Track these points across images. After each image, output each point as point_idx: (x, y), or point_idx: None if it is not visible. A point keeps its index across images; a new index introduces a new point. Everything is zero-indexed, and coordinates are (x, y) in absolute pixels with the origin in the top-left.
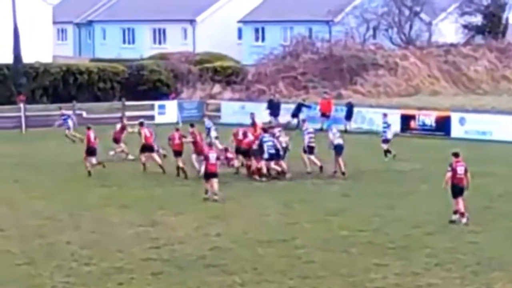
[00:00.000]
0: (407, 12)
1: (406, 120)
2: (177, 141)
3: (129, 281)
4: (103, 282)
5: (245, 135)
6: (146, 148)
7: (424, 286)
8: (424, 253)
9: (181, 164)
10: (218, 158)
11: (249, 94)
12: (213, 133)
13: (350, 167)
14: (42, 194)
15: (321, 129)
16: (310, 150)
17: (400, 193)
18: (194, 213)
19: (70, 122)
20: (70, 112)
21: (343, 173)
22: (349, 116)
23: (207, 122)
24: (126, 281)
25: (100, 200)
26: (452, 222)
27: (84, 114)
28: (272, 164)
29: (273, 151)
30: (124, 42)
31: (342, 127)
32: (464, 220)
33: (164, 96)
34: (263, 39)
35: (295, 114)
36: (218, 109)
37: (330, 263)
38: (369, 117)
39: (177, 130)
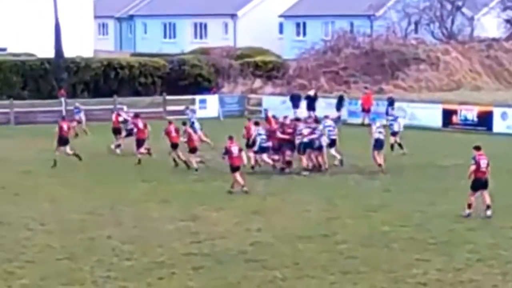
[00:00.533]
0: (449, 6)
1: (447, 115)
2: (173, 134)
3: (170, 276)
4: (143, 277)
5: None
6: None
7: (466, 282)
8: (466, 249)
9: (176, 156)
10: (241, 150)
11: (290, 89)
12: (197, 125)
13: (391, 162)
14: (83, 189)
15: (362, 124)
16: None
17: (441, 189)
18: (234, 208)
19: (82, 116)
20: (82, 106)
21: (379, 165)
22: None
23: (190, 114)
24: (167, 276)
25: (141, 195)
26: (467, 216)
27: (125, 108)
28: (264, 157)
29: (265, 144)
30: (165, 36)
31: (383, 122)
32: (489, 212)
33: (205, 90)
34: (304, 34)
35: (338, 108)
36: (259, 104)
37: (371, 258)
38: (411, 111)
39: (170, 123)
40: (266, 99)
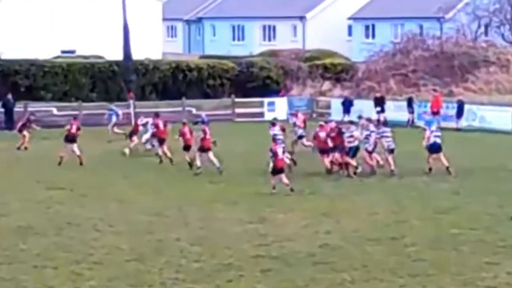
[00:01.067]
0: None
1: None
2: (188, 135)
3: (238, 278)
4: (212, 278)
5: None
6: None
7: None
8: None
9: (188, 158)
10: (284, 152)
11: (359, 92)
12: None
13: (461, 165)
14: (151, 191)
15: None
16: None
17: (511, 191)
18: (303, 210)
19: (114, 118)
20: (116, 108)
21: (430, 169)
22: (459, 113)
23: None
24: (235, 278)
25: (208, 196)
26: None
27: (194, 111)
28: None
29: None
30: (233, 39)
31: (453, 125)
32: None
33: (274, 93)
34: (373, 36)
35: (409, 110)
36: (328, 106)
37: (440, 261)
38: (480, 114)
39: (185, 124)
40: (334, 101)
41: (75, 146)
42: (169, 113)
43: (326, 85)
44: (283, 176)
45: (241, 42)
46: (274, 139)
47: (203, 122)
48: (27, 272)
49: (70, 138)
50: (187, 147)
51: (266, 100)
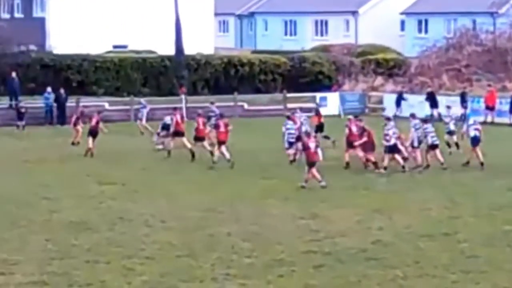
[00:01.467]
0: None
1: None
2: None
3: (290, 274)
4: (263, 274)
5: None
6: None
7: None
8: None
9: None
10: (317, 146)
11: (412, 87)
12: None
13: None
14: (203, 186)
15: (484, 122)
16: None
17: None
18: (355, 206)
19: (144, 112)
20: (146, 103)
21: (481, 164)
22: None
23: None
24: (287, 273)
25: (260, 192)
26: None
27: (245, 106)
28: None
29: (293, 140)
30: (286, 33)
31: (506, 121)
32: None
33: (326, 88)
34: (426, 31)
35: (463, 105)
36: (380, 101)
37: (493, 258)
38: None
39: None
40: (387, 96)
41: (91, 140)
42: (221, 108)
43: (379, 80)
44: (315, 170)
45: (293, 37)
46: (308, 133)
47: (217, 117)
48: (79, 267)
49: (93, 132)
50: (197, 138)
51: (318, 95)
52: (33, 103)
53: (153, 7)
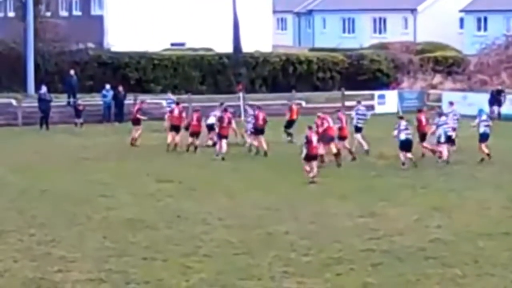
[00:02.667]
0: None
1: None
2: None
3: (348, 272)
4: (321, 272)
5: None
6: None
7: None
8: None
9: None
10: (319, 141)
11: (471, 85)
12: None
13: None
14: (260, 184)
15: None
16: (356, 129)
17: None
18: (414, 205)
19: (173, 107)
20: (174, 97)
21: (482, 159)
22: None
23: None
24: (345, 271)
25: (319, 190)
26: None
27: (303, 103)
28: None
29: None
30: (344, 31)
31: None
32: None
33: (384, 86)
34: (485, 29)
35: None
36: (439, 100)
37: None
38: None
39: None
40: (446, 94)
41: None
42: (279, 106)
43: (437, 78)
44: (314, 165)
45: (351, 34)
46: (311, 127)
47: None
48: (136, 265)
49: (175, 127)
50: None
51: (377, 93)
52: (91, 100)
53: (211, 4)
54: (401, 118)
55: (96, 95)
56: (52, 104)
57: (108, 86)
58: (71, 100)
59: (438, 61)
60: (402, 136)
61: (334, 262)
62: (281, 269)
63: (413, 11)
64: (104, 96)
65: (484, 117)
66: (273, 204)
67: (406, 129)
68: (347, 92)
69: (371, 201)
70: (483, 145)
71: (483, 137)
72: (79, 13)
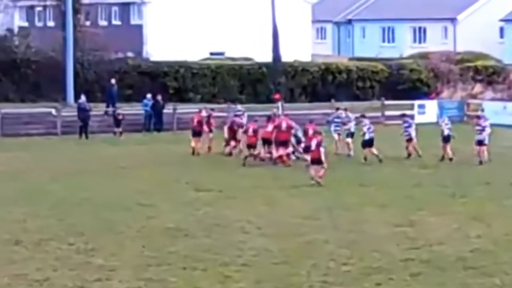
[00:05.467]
0: None
1: None
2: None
3: (387, 282)
4: (360, 282)
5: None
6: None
7: None
8: None
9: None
10: (319, 145)
11: (511, 94)
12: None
13: None
14: (300, 193)
15: None
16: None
17: None
18: (453, 214)
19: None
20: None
21: (450, 159)
22: None
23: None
24: (384, 281)
25: (358, 199)
26: None
27: (343, 113)
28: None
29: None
30: (383, 40)
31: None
32: None
33: (424, 95)
34: None
35: None
36: (479, 109)
37: None
38: None
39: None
40: (486, 104)
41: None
42: (318, 115)
43: (478, 87)
44: (319, 169)
45: (391, 44)
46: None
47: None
48: (175, 274)
49: (197, 132)
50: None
51: (417, 102)
52: (130, 109)
53: (250, 14)
54: (363, 116)
55: (135, 104)
56: (91, 113)
57: (149, 96)
58: (110, 109)
59: (478, 70)
60: (367, 136)
61: (373, 271)
62: (320, 278)
63: (453, 20)
64: (145, 105)
65: (446, 120)
66: (312, 213)
67: (370, 128)
68: (387, 102)
69: (410, 210)
70: (447, 146)
71: (447, 139)
72: (118, 22)
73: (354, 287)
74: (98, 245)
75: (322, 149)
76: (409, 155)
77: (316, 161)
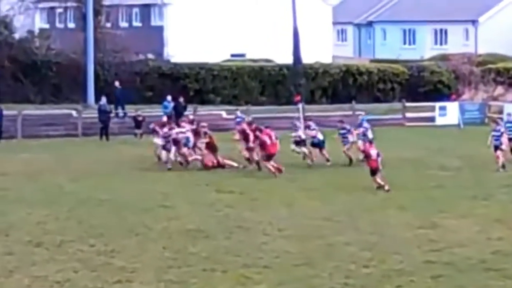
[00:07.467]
0: None
1: None
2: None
3: (408, 284)
4: (381, 284)
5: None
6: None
7: None
8: None
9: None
10: (378, 154)
11: None
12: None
13: None
14: (320, 195)
15: None
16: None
17: None
18: (475, 216)
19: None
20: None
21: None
22: None
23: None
24: (406, 283)
25: (378, 201)
26: None
27: (363, 115)
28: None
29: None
30: (404, 43)
31: None
32: None
33: (445, 97)
34: None
35: None
36: (500, 111)
37: None
38: None
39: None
40: (508, 106)
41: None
42: (339, 117)
43: (499, 89)
44: (378, 176)
45: (412, 46)
46: (371, 141)
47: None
48: (196, 275)
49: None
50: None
51: (438, 104)
52: (151, 111)
53: (271, 15)
54: (310, 119)
55: (156, 106)
56: (112, 115)
57: (169, 97)
58: (120, 111)
59: (500, 72)
60: (321, 136)
61: (394, 273)
62: (341, 280)
63: (474, 22)
64: (165, 107)
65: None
66: (332, 215)
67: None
68: (408, 104)
69: (431, 212)
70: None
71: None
72: (139, 24)
73: None
74: (119, 247)
75: (379, 159)
76: (351, 160)
77: (375, 170)
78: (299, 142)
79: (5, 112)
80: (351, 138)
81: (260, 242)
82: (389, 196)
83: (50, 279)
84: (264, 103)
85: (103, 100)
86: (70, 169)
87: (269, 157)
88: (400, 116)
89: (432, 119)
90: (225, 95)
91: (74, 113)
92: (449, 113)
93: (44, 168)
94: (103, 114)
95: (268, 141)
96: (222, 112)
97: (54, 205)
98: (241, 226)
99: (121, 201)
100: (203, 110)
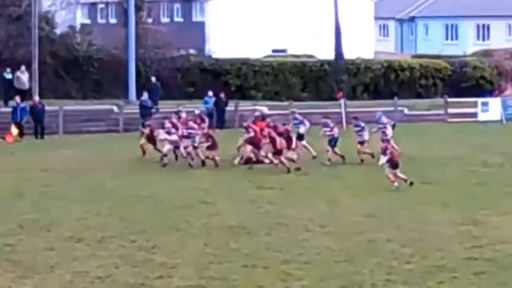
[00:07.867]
0: None
1: None
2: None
3: (450, 280)
4: (423, 280)
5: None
6: None
7: None
8: None
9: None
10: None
11: None
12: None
13: None
14: (361, 192)
15: None
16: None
17: None
18: None
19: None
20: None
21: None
22: None
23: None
24: (448, 280)
25: (420, 198)
26: None
27: (406, 110)
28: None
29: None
30: (446, 38)
31: None
32: None
33: (488, 93)
34: None
35: None
36: None
37: None
38: None
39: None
40: None
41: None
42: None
43: None
44: (397, 172)
45: (454, 41)
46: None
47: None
48: (237, 272)
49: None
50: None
51: (480, 100)
52: (192, 107)
53: (312, 11)
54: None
55: (197, 101)
56: (153, 110)
57: (210, 93)
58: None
59: None
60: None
61: (436, 270)
62: (383, 276)
63: None
64: (206, 102)
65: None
66: (373, 211)
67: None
68: (450, 99)
69: (473, 209)
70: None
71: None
72: (180, 19)
73: (417, 286)
74: (160, 243)
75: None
76: (362, 160)
77: (396, 165)
78: (300, 137)
79: (47, 108)
80: (366, 135)
81: (301, 239)
82: (430, 193)
83: (91, 275)
84: (305, 99)
85: (145, 95)
86: (111, 165)
87: (278, 152)
88: (442, 112)
89: (474, 115)
90: (266, 91)
91: (115, 108)
92: (491, 108)
93: (86, 165)
94: (145, 110)
95: (278, 139)
96: (263, 108)
97: (95, 201)
98: (282, 222)
99: (162, 198)
100: (245, 106)
